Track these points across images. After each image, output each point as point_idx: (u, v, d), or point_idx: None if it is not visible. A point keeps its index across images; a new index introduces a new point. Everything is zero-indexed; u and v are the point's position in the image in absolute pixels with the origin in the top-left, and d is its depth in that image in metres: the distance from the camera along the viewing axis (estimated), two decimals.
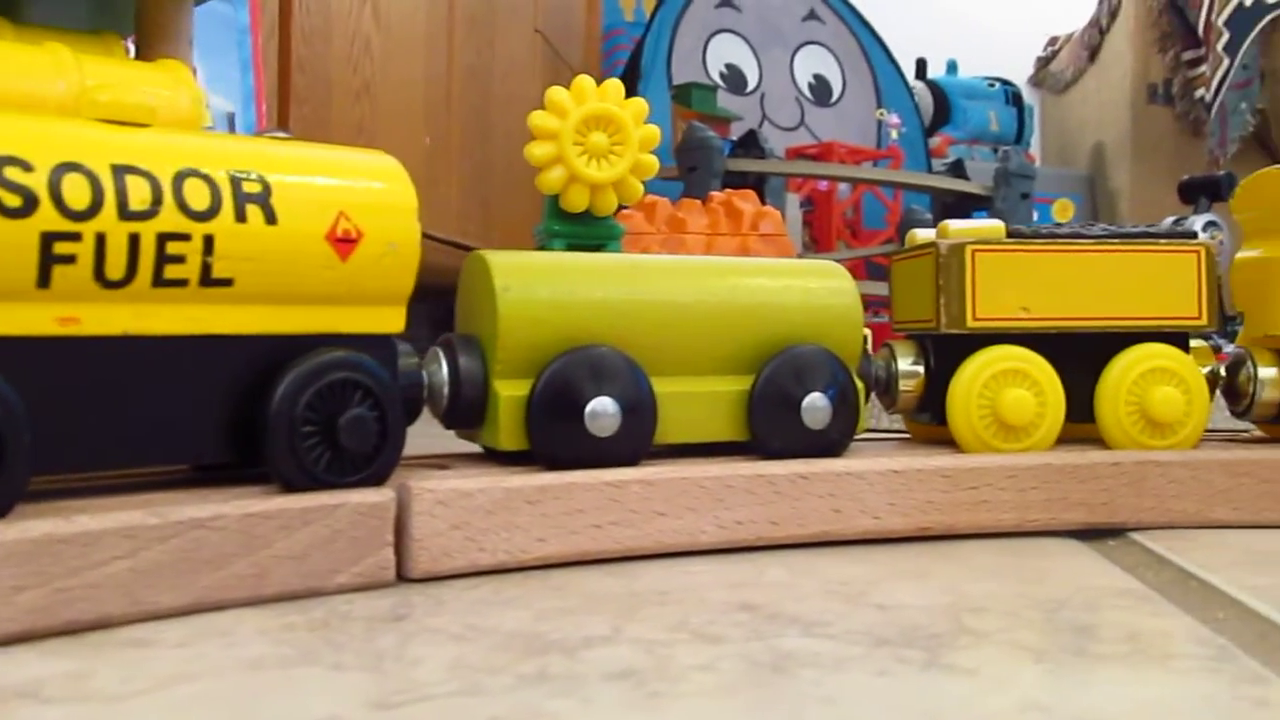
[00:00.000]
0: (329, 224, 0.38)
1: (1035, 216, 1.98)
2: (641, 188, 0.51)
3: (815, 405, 0.45)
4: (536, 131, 0.48)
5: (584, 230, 0.50)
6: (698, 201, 1.29)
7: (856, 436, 0.48)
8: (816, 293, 0.47)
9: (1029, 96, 2.32)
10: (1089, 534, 0.47)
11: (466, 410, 0.43)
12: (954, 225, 0.49)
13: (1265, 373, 0.49)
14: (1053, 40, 2.35)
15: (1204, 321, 0.49)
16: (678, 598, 0.37)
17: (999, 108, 2.11)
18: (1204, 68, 2.04)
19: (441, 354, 0.43)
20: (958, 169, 1.72)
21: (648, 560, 0.42)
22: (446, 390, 0.43)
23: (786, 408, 0.45)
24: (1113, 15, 2.14)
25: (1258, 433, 0.55)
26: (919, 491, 0.45)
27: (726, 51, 1.94)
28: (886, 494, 0.45)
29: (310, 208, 0.37)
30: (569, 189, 0.48)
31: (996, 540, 0.46)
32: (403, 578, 0.38)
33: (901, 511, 0.45)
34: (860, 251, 1.80)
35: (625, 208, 0.51)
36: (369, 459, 0.38)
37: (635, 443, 0.43)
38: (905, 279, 0.51)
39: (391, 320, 0.40)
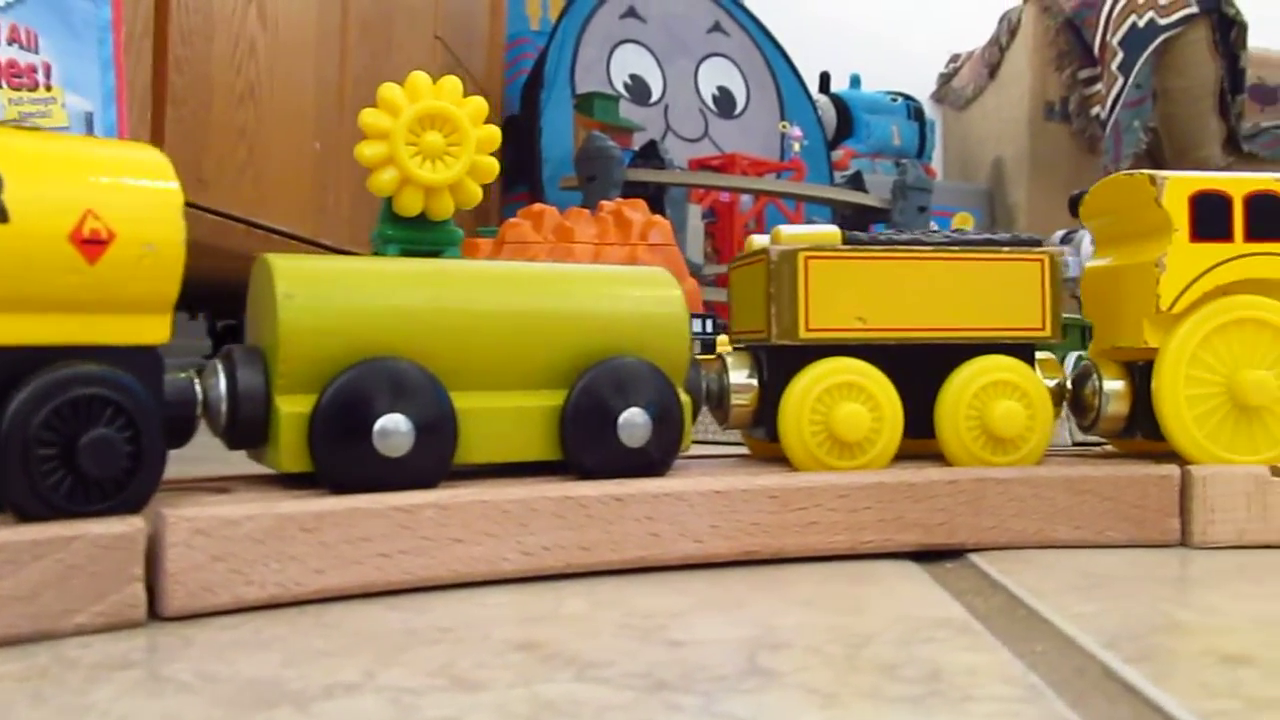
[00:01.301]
0: (73, 223, 0.33)
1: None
2: (480, 191, 0.47)
3: (633, 421, 0.42)
4: (367, 130, 0.44)
5: (419, 235, 0.46)
6: (585, 211, 1.25)
7: (684, 454, 0.44)
8: (640, 301, 0.44)
9: (931, 112, 2.32)
10: (928, 555, 0.44)
11: (247, 429, 0.39)
12: (787, 231, 0.45)
13: (1111, 385, 0.47)
14: (955, 57, 2.35)
15: (1048, 333, 0.46)
16: (457, 635, 0.33)
17: (901, 122, 2.10)
18: (1099, 86, 2.05)
19: (220, 367, 0.39)
20: (857, 181, 1.70)
21: (443, 591, 0.38)
22: (225, 407, 0.38)
23: (602, 424, 0.42)
24: (1012, 34, 2.14)
25: (1111, 448, 0.52)
26: (744, 513, 0.42)
27: (631, 62, 1.91)
28: (709, 516, 0.41)
29: (50, 205, 0.33)
30: (402, 191, 0.44)
31: (826, 564, 0.42)
32: (157, 616, 0.34)
33: (725, 534, 0.41)
34: None
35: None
36: (119, 485, 0.34)
37: (432, 464, 0.39)
38: (741, 287, 0.48)
39: (153, 330, 0.36)
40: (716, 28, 1.97)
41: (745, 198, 1.83)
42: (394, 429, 0.38)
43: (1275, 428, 0.45)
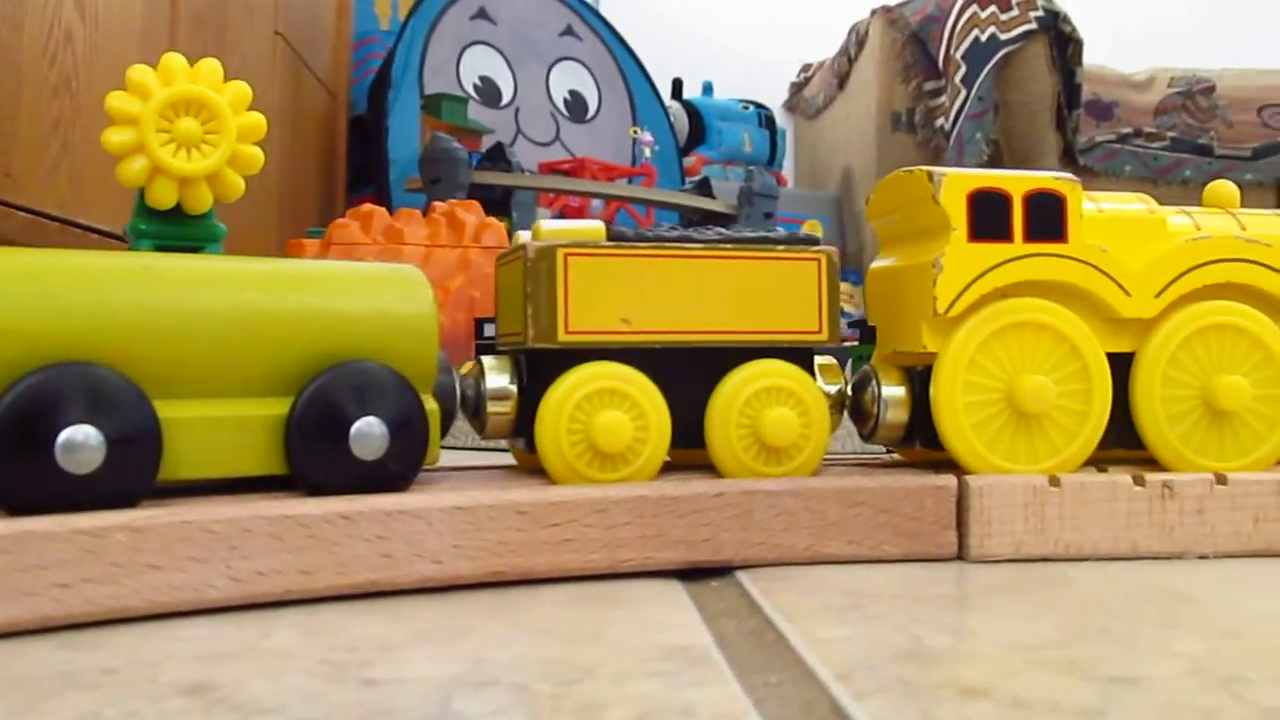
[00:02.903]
0: None
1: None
2: (241, 183, 0.42)
3: (367, 432, 0.37)
4: (113, 115, 0.40)
5: (175, 230, 0.42)
6: (416, 211, 1.20)
7: (429, 467, 0.40)
8: (381, 301, 0.39)
9: (783, 120, 2.31)
10: (697, 573, 0.40)
11: None
12: (547, 225, 0.42)
13: (890, 392, 0.44)
14: (806, 67, 2.35)
15: (825, 336, 0.43)
16: (122, 677, 0.28)
17: (753, 130, 2.08)
18: (943, 98, 2.06)
19: None
20: (704, 187, 1.68)
21: (135, 625, 0.33)
22: None
23: (332, 435, 0.37)
24: (860, 45, 2.15)
25: (898, 456, 0.49)
26: (490, 531, 0.38)
27: (481, 64, 1.86)
28: (451, 535, 0.37)
29: None
30: (153, 182, 0.40)
31: (581, 585, 0.38)
32: None
33: (469, 555, 0.37)
34: None
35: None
36: None
37: (129, 481, 0.34)
38: (505, 287, 0.44)
39: None
40: (569, 31, 1.93)
41: (596, 202, 1.79)
42: (81, 442, 0.33)
43: (1056, 436, 0.43)
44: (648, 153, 1.88)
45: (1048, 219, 0.43)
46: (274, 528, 0.35)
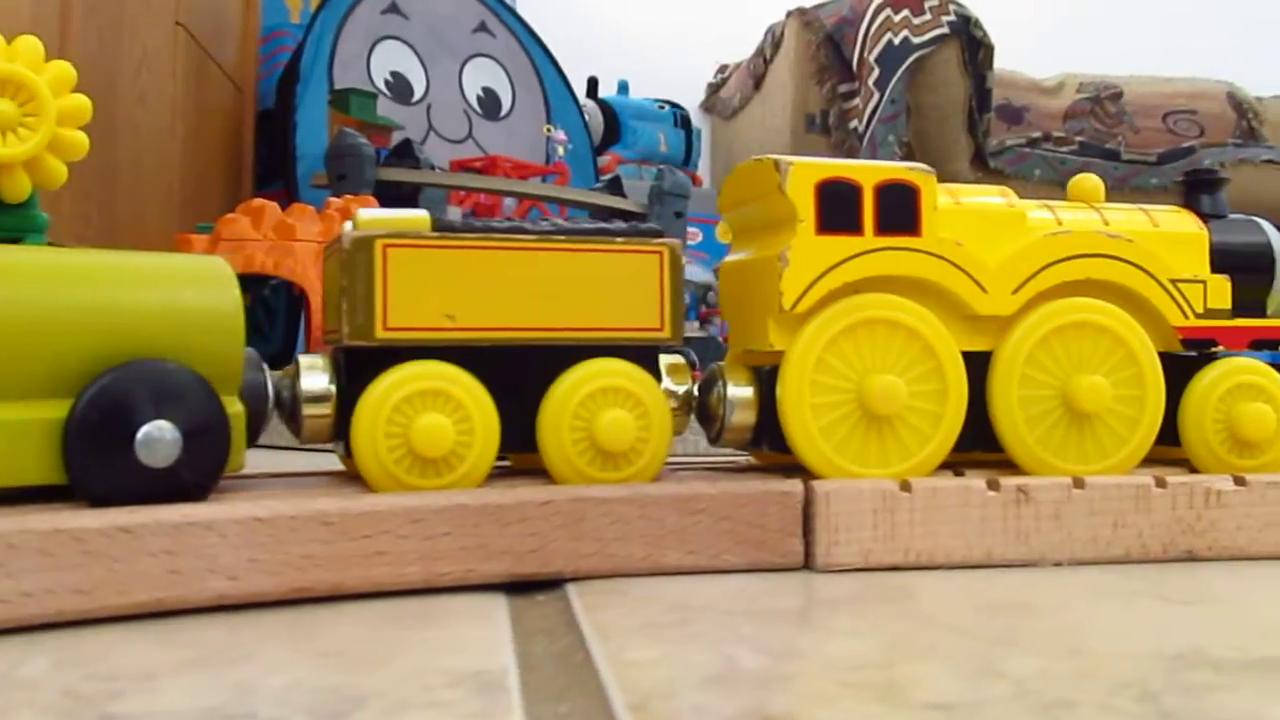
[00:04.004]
0: None
1: (701, 238, 1.95)
2: (64, 169, 0.39)
3: (157, 437, 0.34)
4: None
5: None
6: (311, 208, 1.16)
7: (232, 474, 0.37)
8: (178, 296, 0.36)
9: (700, 121, 2.29)
10: (528, 586, 0.37)
11: None
12: (366, 214, 0.38)
13: (736, 393, 0.41)
14: (723, 67, 2.32)
15: (667, 334, 0.40)
16: None
17: (668, 129, 2.05)
18: (857, 100, 2.05)
19: None
20: (615, 186, 1.65)
21: None
22: None
23: (115, 440, 0.34)
24: (776, 47, 2.13)
25: (754, 460, 0.47)
26: (293, 544, 0.34)
27: (393, 59, 1.82)
28: (248, 548, 0.34)
29: None
30: None
31: (394, 602, 0.35)
32: None
33: (269, 570, 0.34)
34: None
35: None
36: None
37: None
38: (328, 280, 0.41)
39: None
40: (482, 28, 1.89)
41: (509, 200, 1.75)
42: None
43: (909, 438, 0.40)
44: (561, 151, 1.85)
45: (900, 211, 0.40)
46: (44, 543, 0.31)
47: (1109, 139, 2.40)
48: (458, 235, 0.38)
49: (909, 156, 2.07)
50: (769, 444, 0.41)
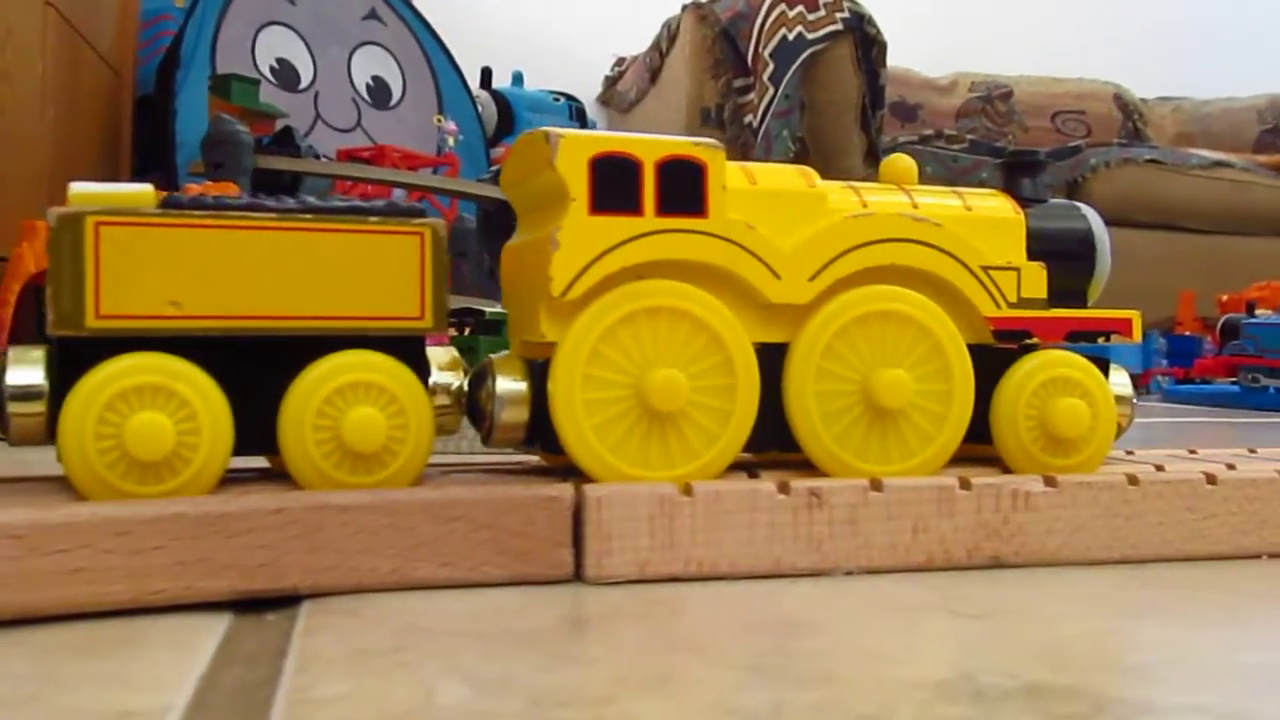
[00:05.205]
0: None
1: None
2: None
3: None
4: None
5: None
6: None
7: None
8: None
9: (597, 114, 2.24)
10: (266, 603, 0.33)
11: None
12: (79, 188, 0.33)
13: (506, 388, 0.37)
14: (620, 61, 2.28)
15: (428, 323, 0.36)
16: None
17: (563, 121, 2.00)
18: (752, 95, 2.02)
19: None
20: (499, 178, 1.60)
21: None
22: None
23: None
24: (672, 40, 2.10)
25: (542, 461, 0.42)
26: None
27: (278, 46, 1.75)
28: None
29: None
30: None
31: (94, 624, 0.30)
32: None
33: None
34: None
35: None
36: None
37: None
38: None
39: None
40: (373, 15, 1.82)
41: (397, 192, 1.69)
42: None
43: (695, 438, 0.37)
44: (452, 142, 1.79)
45: (684, 190, 0.36)
46: None
47: (999, 137, 2.40)
48: (185, 213, 0.34)
49: (803, 152, 2.05)
50: (543, 444, 0.37)
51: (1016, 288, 0.40)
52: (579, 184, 0.35)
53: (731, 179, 0.37)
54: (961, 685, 0.26)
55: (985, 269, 0.40)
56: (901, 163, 0.42)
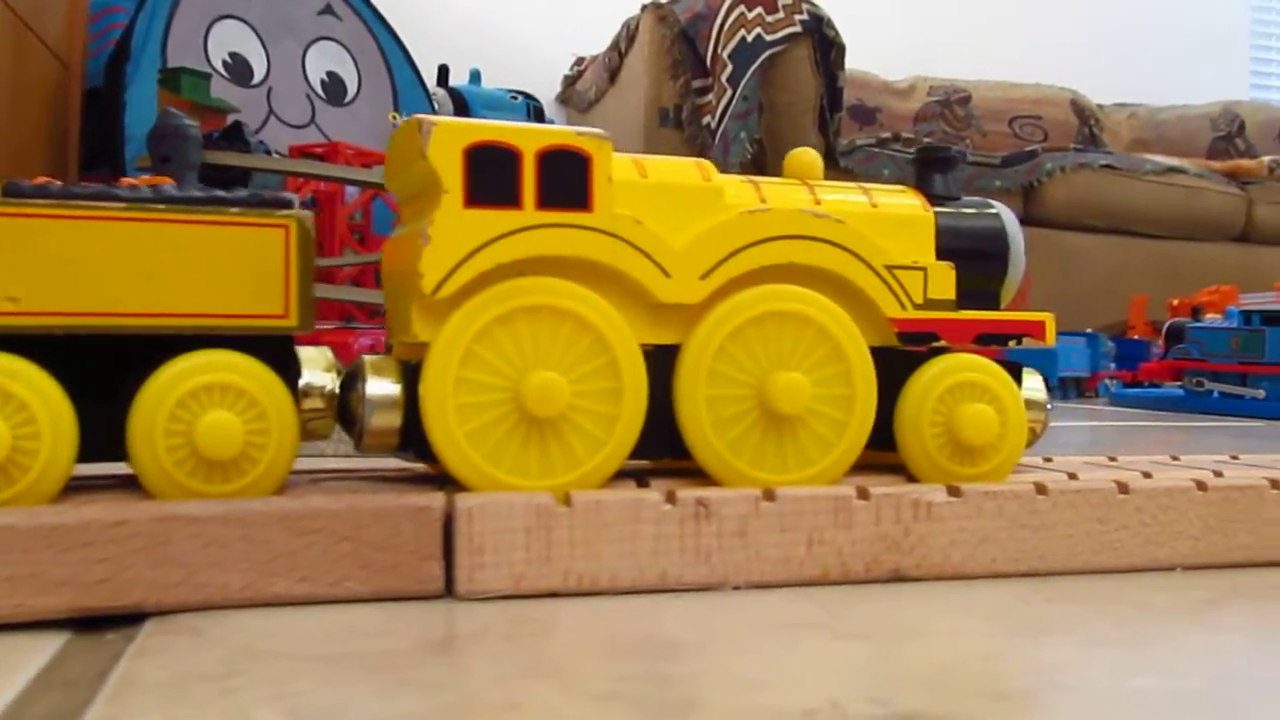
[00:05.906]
0: None
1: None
2: None
3: None
4: None
5: None
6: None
7: None
8: None
9: (556, 113, 2.22)
10: (108, 621, 0.30)
11: None
12: None
13: (377, 391, 0.34)
14: (579, 60, 2.26)
15: (293, 321, 0.33)
16: None
17: (521, 120, 1.98)
18: (710, 96, 2.00)
19: None
20: None
21: None
22: None
23: None
24: (631, 40, 2.08)
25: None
26: None
27: (231, 39, 1.71)
28: None
29: None
30: None
31: None
32: None
33: None
34: (369, 258, 1.63)
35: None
36: None
37: None
38: None
39: None
40: (328, 10, 1.79)
41: (351, 189, 1.66)
42: None
43: (578, 444, 0.34)
44: None
45: (567, 183, 0.34)
46: None
47: (957, 141, 2.39)
48: (26, 201, 0.31)
49: (761, 153, 2.03)
50: (416, 451, 0.34)
51: (923, 288, 0.38)
52: (453, 175, 0.33)
53: (620, 171, 0.35)
54: (827, 714, 0.24)
55: (890, 268, 0.37)
56: (806, 156, 0.40)
